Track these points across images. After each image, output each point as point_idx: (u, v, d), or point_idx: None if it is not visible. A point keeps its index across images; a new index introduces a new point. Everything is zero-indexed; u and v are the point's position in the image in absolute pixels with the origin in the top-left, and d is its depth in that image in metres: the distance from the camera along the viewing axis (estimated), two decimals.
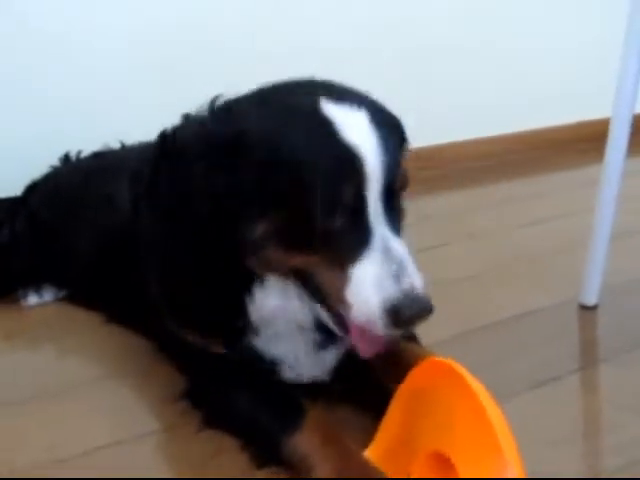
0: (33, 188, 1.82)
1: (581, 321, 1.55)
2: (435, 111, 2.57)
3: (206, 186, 1.04)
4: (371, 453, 1.07)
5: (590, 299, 1.58)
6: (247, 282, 1.12)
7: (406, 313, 0.96)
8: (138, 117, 2.04)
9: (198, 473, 1.12)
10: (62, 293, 1.76)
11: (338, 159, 0.99)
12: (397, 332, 1.01)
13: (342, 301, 1.01)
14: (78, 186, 1.72)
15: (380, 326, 0.98)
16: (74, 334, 1.60)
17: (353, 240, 0.99)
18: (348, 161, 0.98)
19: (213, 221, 1.06)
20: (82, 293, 1.71)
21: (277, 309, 1.14)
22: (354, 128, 1.00)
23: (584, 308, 1.58)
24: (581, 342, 1.49)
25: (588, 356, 1.44)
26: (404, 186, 1.07)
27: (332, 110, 1.01)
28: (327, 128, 0.99)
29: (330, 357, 1.22)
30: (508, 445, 0.86)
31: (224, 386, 1.19)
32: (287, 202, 1.01)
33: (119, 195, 1.50)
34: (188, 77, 2.23)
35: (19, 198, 1.83)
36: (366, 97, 1.09)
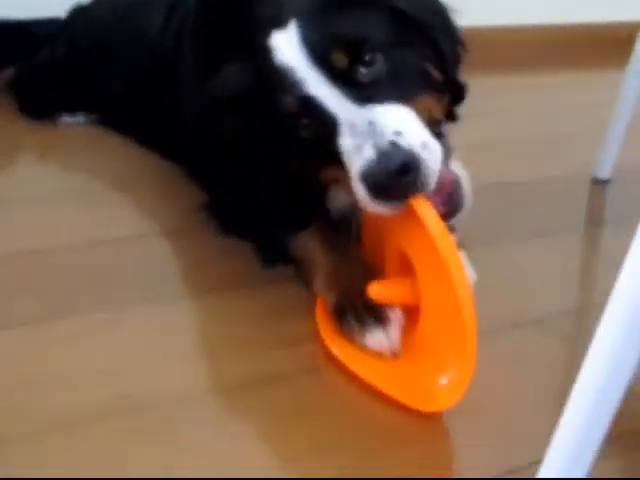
0: (76, 13, 1.87)
1: (592, 191, 1.61)
2: None
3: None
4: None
5: (603, 173, 1.63)
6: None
7: (380, 177, 0.92)
8: None
9: (200, 271, 1.23)
10: (94, 116, 1.83)
11: (272, 82, 1.04)
12: (397, 202, 0.93)
13: (349, 187, 0.99)
14: (116, 18, 1.76)
15: (371, 202, 0.95)
16: (103, 152, 1.69)
17: (327, 132, 1.00)
18: (277, 78, 1.02)
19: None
20: (113, 118, 1.78)
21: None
22: (283, 45, 1.03)
23: (597, 181, 1.63)
24: (588, 208, 1.55)
25: (593, 218, 1.51)
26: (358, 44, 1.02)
27: (273, 40, 1.04)
28: (267, 57, 1.05)
29: None
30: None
31: (241, 196, 1.24)
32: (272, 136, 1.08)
33: (153, 29, 1.57)
34: None
35: (62, 21, 1.87)
36: None
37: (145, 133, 1.66)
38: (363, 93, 0.99)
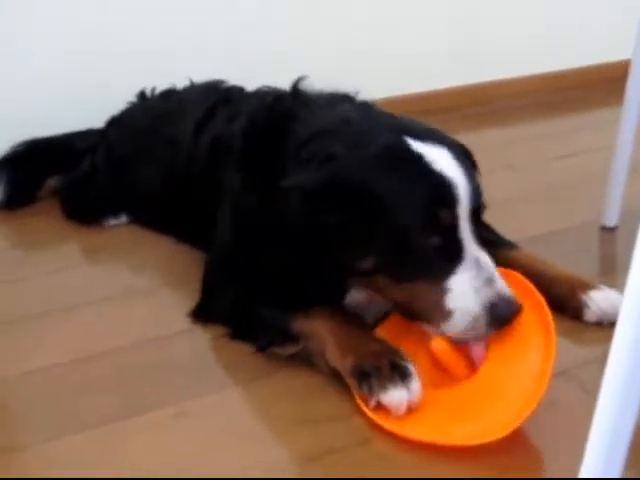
0: (112, 122, 2.03)
1: (601, 240, 1.71)
2: (481, 51, 2.72)
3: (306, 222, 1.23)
4: (382, 331, 1.27)
5: (610, 221, 1.72)
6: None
7: (503, 311, 1.14)
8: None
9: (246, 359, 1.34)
10: (136, 216, 1.96)
11: (435, 186, 1.18)
12: (494, 331, 1.16)
13: (441, 312, 1.17)
14: (146, 127, 1.91)
15: (482, 324, 1.15)
16: (147, 250, 1.81)
17: (449, 255, 1.18)
18: (445, 187, 1.18)
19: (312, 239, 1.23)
20: (150, 218, 1.90)
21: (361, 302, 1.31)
22: (443, 161, 1.20)
23: (605, 229, 1.73)
24: (601, 257, 1.66)
25: (606, 267, 1.62)
26: (484, 208, 1.26)
27: (420, 147, 1.21)
28: (420, 163, 1.20)
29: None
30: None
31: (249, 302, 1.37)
32: (392, 233, 1.19)
33: (182, 136, 1.73)
34: None
35: (98, 131, 2.04)
36: (440, 133, 1.29)
37: (178, 230, 1.79)
38: (479, 239, 1.20)
